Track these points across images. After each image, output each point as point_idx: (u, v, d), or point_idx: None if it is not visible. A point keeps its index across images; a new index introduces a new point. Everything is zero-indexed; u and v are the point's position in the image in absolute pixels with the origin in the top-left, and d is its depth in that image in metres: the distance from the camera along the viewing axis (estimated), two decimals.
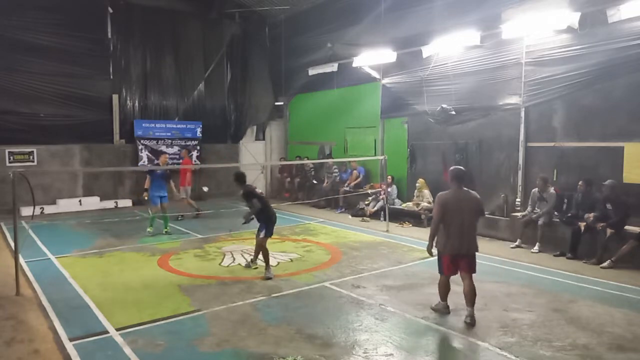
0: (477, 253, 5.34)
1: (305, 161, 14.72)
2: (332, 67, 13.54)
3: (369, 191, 12.45)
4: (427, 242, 5.43)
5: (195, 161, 15.36)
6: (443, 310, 5.50)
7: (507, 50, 9.77)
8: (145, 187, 10.21)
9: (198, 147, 15.59)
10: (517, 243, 8.91)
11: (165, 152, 13.00)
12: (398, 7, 11.93)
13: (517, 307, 5.69)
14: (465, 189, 5.31)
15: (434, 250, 5.41)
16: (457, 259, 5.27)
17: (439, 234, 5.31)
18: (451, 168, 5.48)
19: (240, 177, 7.17)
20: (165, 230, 10.31)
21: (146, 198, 10.26)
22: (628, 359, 4.43)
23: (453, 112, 10.75)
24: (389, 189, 11.60)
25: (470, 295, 5.18)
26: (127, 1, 14.33)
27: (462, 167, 5.55)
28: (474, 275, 5.29)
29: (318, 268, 7.49)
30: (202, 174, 15.49)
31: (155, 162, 13.86)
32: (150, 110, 15.05)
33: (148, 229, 10.23)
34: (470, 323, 5.11)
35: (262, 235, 7.09)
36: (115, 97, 14.26)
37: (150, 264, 7.78)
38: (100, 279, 6.86)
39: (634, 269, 7.24)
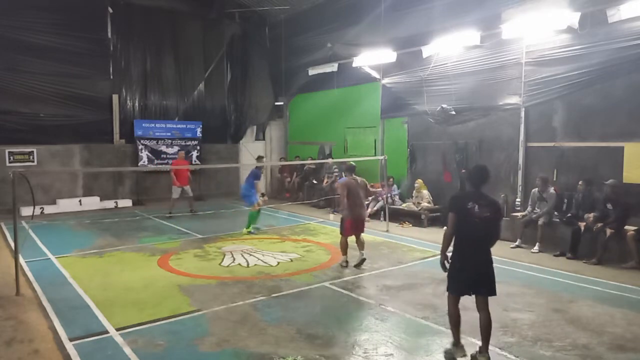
0: None
1: (309, 161, 14.65)
2: (332, 67, 13.52)
3: None
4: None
5: (195, 161, 15.36)
6: (344, 263, 7.38)
7: (507, 50, 9.76)
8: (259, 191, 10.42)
9: (198, 147, 15.58)
10: (517, 243, 8.90)
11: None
12: (398, 7, 11.91)
13: (517, 307, 5.69)
14: (356, 175, 7.62)
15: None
16: (357, 223, 7.41)
17: (346, 206, 7.35)
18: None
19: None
20: (249, 230, 10.15)
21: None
22: (628, 359, 4.43)
23: (453, 112, 10.74)
24: (390, 193, 11.57)
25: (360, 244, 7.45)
26: (127, 1, 14.30)
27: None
28: None
29: (318, 268, 7.49)
30: (202, 174, 15.49)
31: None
32: (150, 110, 15.03)
33: (251, 228, 10.12)
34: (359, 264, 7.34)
35: None
36: (115, 97, 14.25)
37: (150, 264, 7.78)
38: (100, 279, 6.86)
39: (635, 268, 7.24)
